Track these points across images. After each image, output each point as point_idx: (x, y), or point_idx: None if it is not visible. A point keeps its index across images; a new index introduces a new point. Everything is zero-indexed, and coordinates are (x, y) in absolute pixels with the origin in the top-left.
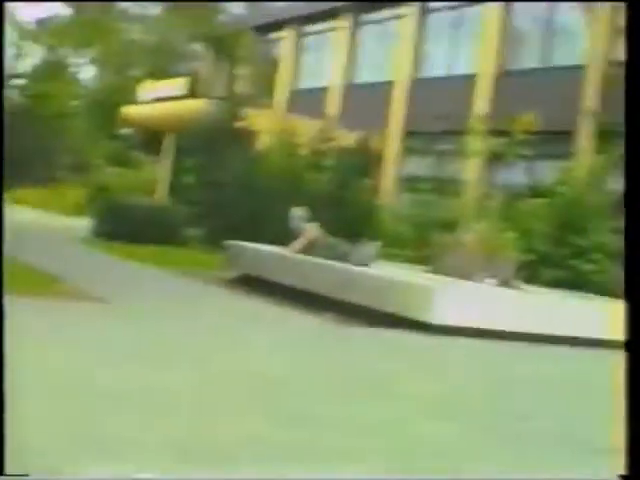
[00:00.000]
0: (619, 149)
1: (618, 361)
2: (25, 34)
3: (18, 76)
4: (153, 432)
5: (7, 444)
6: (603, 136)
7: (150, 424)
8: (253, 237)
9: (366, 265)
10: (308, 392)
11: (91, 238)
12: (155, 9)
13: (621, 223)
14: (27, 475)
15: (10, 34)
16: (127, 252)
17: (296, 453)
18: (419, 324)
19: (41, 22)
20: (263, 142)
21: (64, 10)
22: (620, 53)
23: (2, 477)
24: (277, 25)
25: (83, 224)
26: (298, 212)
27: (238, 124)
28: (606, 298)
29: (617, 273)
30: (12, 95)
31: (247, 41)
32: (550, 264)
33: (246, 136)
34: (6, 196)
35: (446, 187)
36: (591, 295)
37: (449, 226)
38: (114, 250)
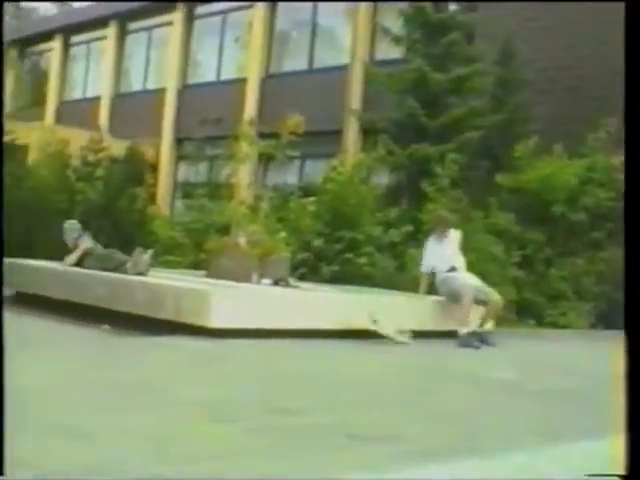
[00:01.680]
0: (382, 145)
1: (396, 351)
2: None
3: None
4: None
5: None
6: (367, 133)
7: None
8: (27, 254)
9: (142, 273)
10: (84, 403)
11: None
12: None
13: (388, 214)
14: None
15: None
16: None
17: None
18: (197, 329)
19: None
20: (32, 156)
21: None
22: (381, 52)
23: (2, 478)
24: (45, 36)
25: None
26: (71, 224)
27: (4, 139)
28: (379, 290)
29: (388, 264)
30: None
31: (10, 54)
32: (326, 260)
33: (14, 151)
34: None
35: (219, 191)
36: (366, 288)
37: (223, 230)
38: None
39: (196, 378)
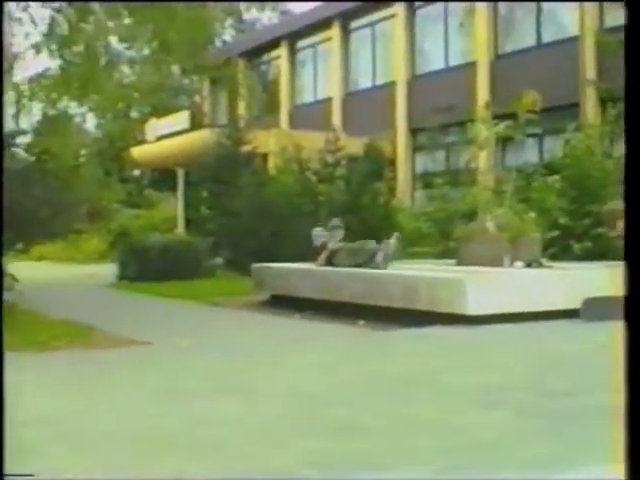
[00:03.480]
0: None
1: None
2: (22, 93)
3: (22, 133)
4: None
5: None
6: (606, 102)
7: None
8: (276, 257)
9: (391, 260)
10: (356, 397)
11: (118, 283)
12: (145, 50)
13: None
14: (30, 475)
15: (8, 95)
16: (155, 291)
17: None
18: (453, 317)
19: (34, 79)
20: (272, 162)
21: (54, 63)
22: (611, 19)
23: (4, 477)
24: (271, 44)
25: (108, 271)
26: (331, 223)
27: (244, 148)
28: None
29: None
30: (18, 153)
31: (240, 66)
32: (575, 237)
33: (254, 158)
34: (26, 254)
35: (460, 178)
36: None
37: (469, 216)
38: (142, 291)
39: (461, 366)
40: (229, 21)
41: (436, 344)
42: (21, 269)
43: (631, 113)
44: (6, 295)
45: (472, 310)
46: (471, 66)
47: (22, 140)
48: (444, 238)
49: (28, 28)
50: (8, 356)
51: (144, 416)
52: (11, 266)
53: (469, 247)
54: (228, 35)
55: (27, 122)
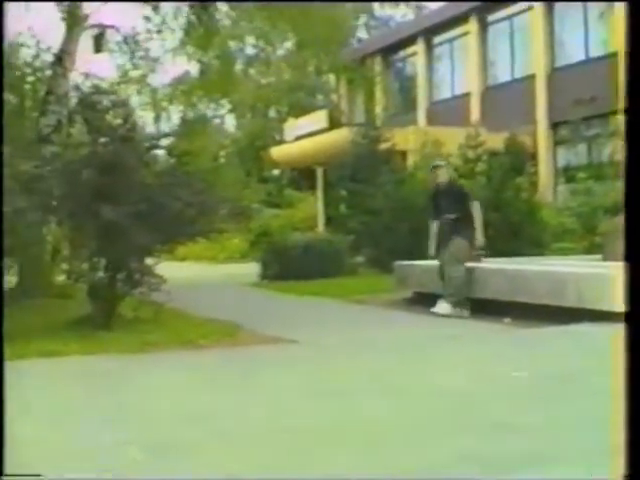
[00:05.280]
0: None
1: None
2: (162, 97)
3: (164, 136)
4: None
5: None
6: None
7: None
8: (416, 255)
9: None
10: (510, 396)
11: (260, 282)
12: (280, 50)
13: None
14: (34, 475)
15: (148, 99)
16: (298, 290)
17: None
18: (601, 314)
19: (173, 84)
20: (411, 159)
21: (192, 67)
22: None
23: (7, 477)
24: (407, 41)
25: (249, 270)
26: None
27: (383, 146)
28: None
29: None
30: (160, 156)
31: (376, 63)
32: None
33: (393, 156)
34: (171, 254)
35: (603, 171)
36: None
37: (613, 210)
38: (285, 290)
39: (614, 365)
40: (362, 19)
41: (585, 342)
42: (166, 269)
43: (631, 114)
44: (154, 295)
45: (620, 307)
46: (613, 56)
47: (163, 142)
48: (589, 233)
49: (165, 34)
50: (161, 355)
51: (295, 414)
52: (158, 267)
53: (616, 242)
54: (362, 33)
55: (167, 125)
